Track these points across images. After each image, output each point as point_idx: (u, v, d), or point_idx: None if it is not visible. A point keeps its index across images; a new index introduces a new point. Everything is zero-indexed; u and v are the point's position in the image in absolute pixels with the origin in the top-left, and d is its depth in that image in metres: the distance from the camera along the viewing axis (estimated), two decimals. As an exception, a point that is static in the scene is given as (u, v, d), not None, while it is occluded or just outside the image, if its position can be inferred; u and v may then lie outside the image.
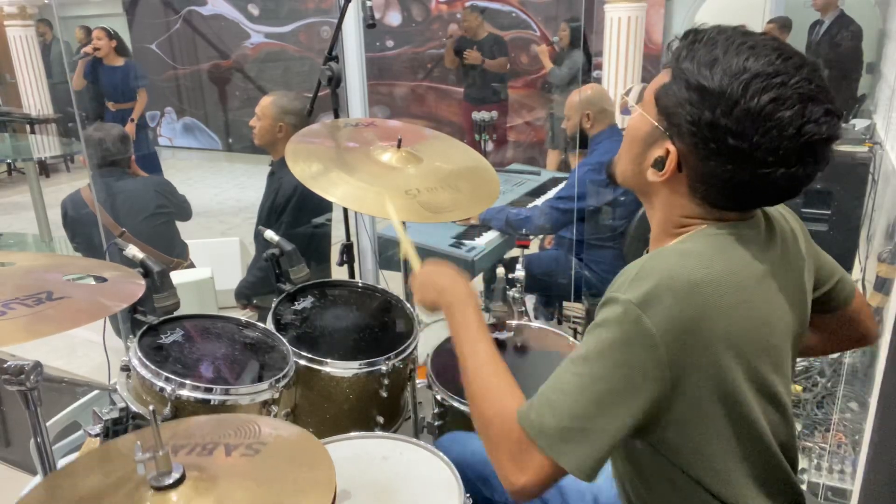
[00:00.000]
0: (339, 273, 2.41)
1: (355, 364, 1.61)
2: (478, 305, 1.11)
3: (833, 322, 1.17)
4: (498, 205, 2.87)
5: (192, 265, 3.20)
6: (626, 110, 1.03)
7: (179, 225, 3.26)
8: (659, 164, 0.92)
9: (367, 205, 1.66)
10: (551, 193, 3.33)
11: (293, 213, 2.59)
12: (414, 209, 1.60)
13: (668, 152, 0.91)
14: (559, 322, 3.03)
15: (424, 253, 2.62)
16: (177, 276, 1.62)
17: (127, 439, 1.09)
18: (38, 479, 1.44)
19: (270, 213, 2.64)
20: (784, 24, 4.89)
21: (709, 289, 0.86)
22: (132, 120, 4.85)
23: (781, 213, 1.06)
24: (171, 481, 0.93)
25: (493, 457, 0.93)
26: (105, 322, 1.76)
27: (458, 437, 1.49)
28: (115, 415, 1.32)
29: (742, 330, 0.89)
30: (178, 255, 3.16)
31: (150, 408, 0.95)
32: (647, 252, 0.99)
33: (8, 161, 6.92)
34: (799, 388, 2.35)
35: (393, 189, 1.64)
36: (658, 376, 0.85)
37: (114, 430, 1.31)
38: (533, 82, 6.20)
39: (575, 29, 5.23)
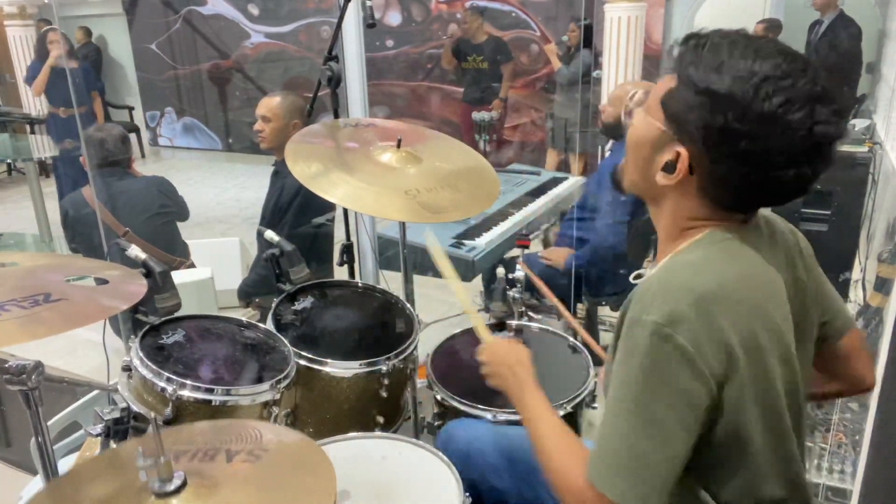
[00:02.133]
0: (339, 273, 2.42)
1: (355, 364, 1.61)
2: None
3: (826, 356, 1.13)
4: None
5: (192, 265, 3.20)
6: (629, 114, 1.03)
7: (179, 225, 3.26)
8: (669, 167, 0.92)
9: (367, 205, 1.66)
10: (552, 193, 3.33)
11: (297, 212, 2.59)
12: (414, 209, 1.60)
13: (678, 156, 0.91)
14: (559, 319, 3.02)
15: (424, 253, 2.63)
16: (177, 277, 1.62)
17: (128, 445, 1.09)
18: (38, 478, 1.45)
19: (274, 213, 2.64)
20: (773, 25, 4.89)
21: (727, 297, 0.87)
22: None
23: (790, 228, 1.07)
24: (172, 488, 0.93)
25: None
26: (105, 322, 1.77)
27: (465, 423, 1.50)
28: (116, 415, 1.32)
29: (762, 332, 0.90)
30: (180, 254, 3.16)
31: (152, 415, 0.95)
32: (652, 256, 1.00)
33: (8, 161, 6.92)
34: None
35: (393, 189, 1.64)
36: (703, 388, 0.86)
37: (115, 430, 1.31)
38: (533, 82, 6.20)
39: (585, 28, 5.23)
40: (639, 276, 1.05)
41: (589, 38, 5.22)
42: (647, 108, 0.96)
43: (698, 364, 0.84)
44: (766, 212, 1.05)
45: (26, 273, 1.21)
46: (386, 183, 1.67)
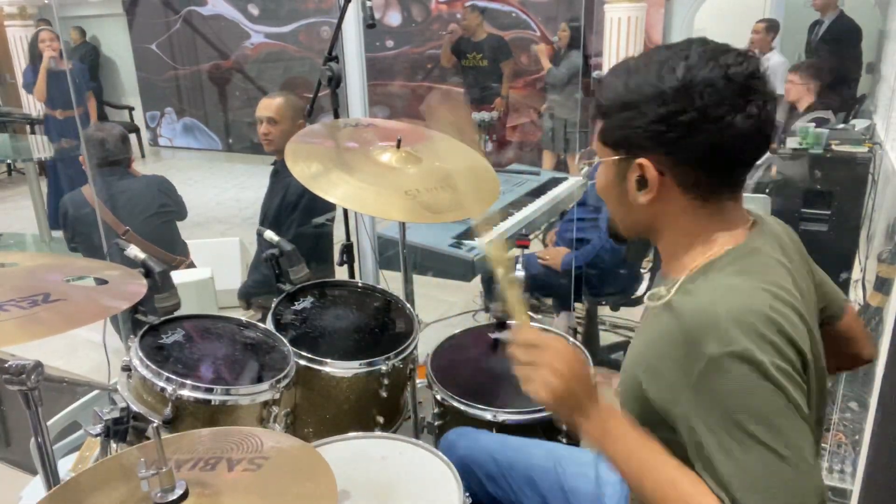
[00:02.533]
0: (339, 273, 2.42)
1: (355, 364, 1.61)
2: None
3: (827, 339, 1.12)
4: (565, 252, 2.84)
5: (192, 264, 3.20)
6: (592, 175, 1.05)
7: (178, 225, 3.26)
8: (641, 182, 0.95)
9: (367, 205, 1.66)
10: (551, 194, 3.33)
11: (304, 212, 2.57)
12: (414, 209, 1.60)
13: (641, 168, 0.94)
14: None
15: (424, 253, 2.63)
16: (177, 276, 1.62)
17: (130, 454, 1.09)
18: (38, 479, 1.45)
19: (279, 212, 2.62)
20: (772, 25, 4.90)
21: (777, 308, 0.87)
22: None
23: (782, 226, 1.08)
24: (174, 498, 0.93)
25: None
26: (105, 322, 1.76)
27: (465, 432, 1.49)
28: (116, 415, 1.32)
29: (806, 332, 0.90)
30: (180, 253, 3.16)
31: (153, 424, 0.95)
32: (651, 255, 1.00)
33: (8, 161, 6.92)
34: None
35: (393, 189, 1.64)
36: (803, 390, 0.86)
37: (114, 430, 1.31)
38: (533, 82, 6.20)
39: (575, 29, 5.24)
40: (653, 297, 0.99)
41: (579, 39, 5.24)
42: (597, 155, 1.02)
43: (795, 375, 0.85)
44: (762, 215, 1.06)
45: (26, 273, 1.21)
46: (386, 183, 1.66)
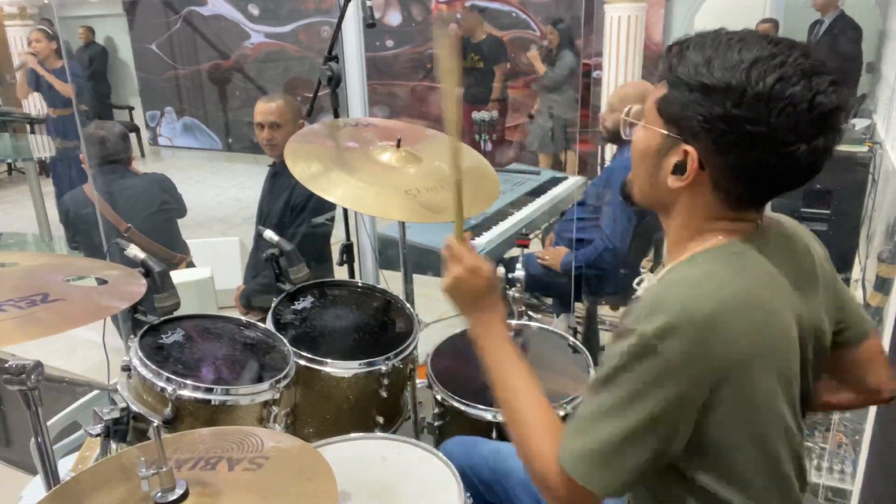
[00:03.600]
0: (339, 273, 2.42)
1: (355, 364, 1.61)
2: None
3: (842, 362, 1.11)
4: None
5: (192, 263, 3.20)
6: (629, 129, 1.03)
7: (178, 224, 3.26)
8: (679, 168, 0.92)
9: (367, 204, 1.66)
10: (551, 193, 3.33)
11: (312, 213, 2.56)
12: (414, 209, 1.59)
13: (686, 155, 0.90)
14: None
15: (424, 253, 2.63)
16: (177, 276, 1.62)
17: (130, 453, 1.09)
18: (38, 479, 1.45)
19: (283, 214, 2.59)
20: (771, 25, 4.89)
21: (729, 314, 0.86)
22: None
23: (807, 238, 1.05)
24: (174, 497, 0.93)
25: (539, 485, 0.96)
26: (105, 322, 1.76)
27: (465, 441, 1.48)
28: (116, 415, 1.32)
29: (769, 344, 0.89)
30: (180, 251, 3.16)
31: (154, 423, 0.95)
32: (651, 255, 1.00)
33: (8, 161, 6.92)
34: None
35: (393, 189, 1.64)
36: (682, 402, 0.86)
37: (114, 430, 1.31)
38: (532, 82, 6.20)
39: (563, 31, 5.26)
40: (641, 282, 1.04)
41: (568, 39, 5.26)
42: (645, 118, 0.96)
43: (682, 378, 0.84)
44: (784, 219, 1.04)
45: (26, 273, 1.21)
46: (386, 182, 1.66)
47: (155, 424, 0.96)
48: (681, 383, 0.85)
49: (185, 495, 0.94)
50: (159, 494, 0.93)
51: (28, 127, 6.05)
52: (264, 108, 2.52)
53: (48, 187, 5.26)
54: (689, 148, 0.89)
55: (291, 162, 1.65)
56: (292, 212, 2.59)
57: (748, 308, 0.88)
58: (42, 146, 5.30)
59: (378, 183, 1.65)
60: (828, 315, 1.02)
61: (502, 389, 1.04)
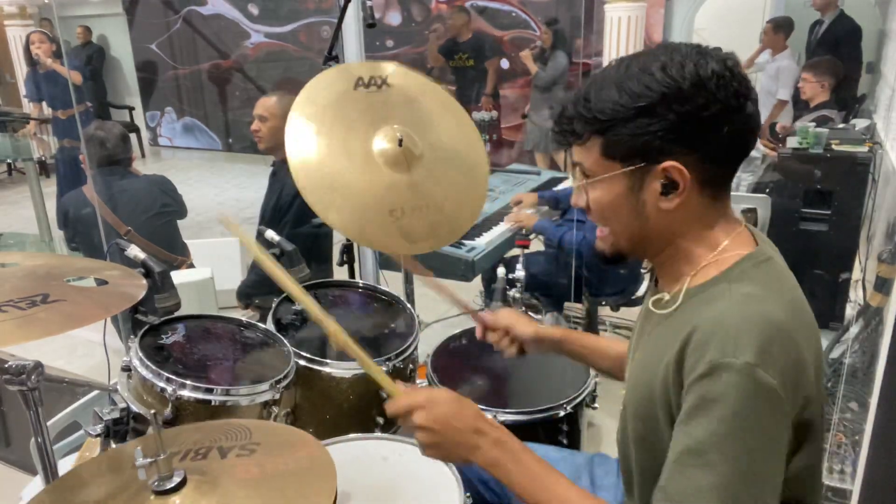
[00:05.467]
0: (339, 273, 2.42)
1: (355, 364, 1.61)
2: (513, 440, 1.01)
3: None
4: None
5: (192, 265, 3.20)
6: (580, 197, 1.01)
7: (179, 224, 3.26)
8: (667, 187, 0.92)
9: (344, 220, 1.43)
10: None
11: (297, 213, 2.59)
12: (390, 235, 1.44)
13: (666, 171, 0.90)
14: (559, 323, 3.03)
15: (425, 253, 2.62)
16: (177, 276, 1.62)
17: (125, 446, 1.09)
18: (38, 478, 1.45)
19: (274, 213, 2.64)
20: (780, 24, 4.87)
21: (793, 321, 0.87)
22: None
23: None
24: (172, 485, 0.92)
25: None
26: (105, 322, 1.76)
27: None
28: (116, 415, 1.32)
29: (816, 348, 0.91)
30: (180, 253, 3.16)
31: (151, 411, 0.94)
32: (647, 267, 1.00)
33: (8, 161, 6.92)
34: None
35: (377, 208, 1.45)
36: (786, 423, 0.85)
37: (114, 430, 1.31)
38: (532, 82, 6.20)
39: (556, 31, 5.27)
40: (659, 303, 0.98)
41: (562, 39, 5.27)
42: (593, 176, 0.96)
43: (786, 406, 0.83)
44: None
45: (26, 273, 1.21)
46: (373, 194, 1.47)
47: (153, 412, 0.95)
48: (786, 407, 0.83)
49: (183, 483, 0.93)
50: (157, 483, 0.92)
51: (30, 126, 6.06)
52: (260, 102, 2.70)
53: (48, 187, 5.27)
54: (669, 162, 0.90)
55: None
56: (279, 212, 2.61)
57: (800, 310, 0.90)
58: (47, 145, 5.29)
59: (363, 196, 1.46)
60: None
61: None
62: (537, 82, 5.43)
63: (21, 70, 6.67)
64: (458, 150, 1.73)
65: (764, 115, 4.78)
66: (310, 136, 1.49)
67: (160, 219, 3.05)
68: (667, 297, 0.97)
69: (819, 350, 0.93)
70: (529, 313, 2.09)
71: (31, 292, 1.08)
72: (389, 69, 1.66)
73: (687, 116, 0.88)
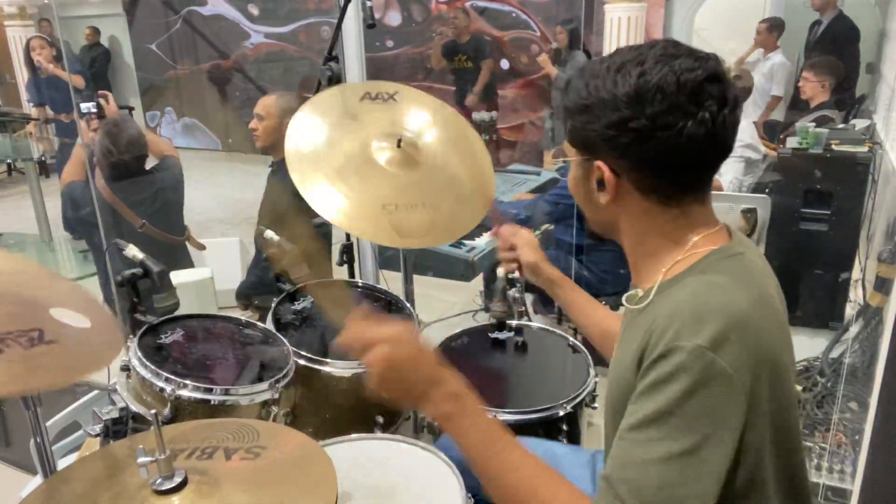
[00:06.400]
0: (339, 273, 2.42)
1: (355, 363, 1.61)
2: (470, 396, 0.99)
3: None
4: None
5: (202, 246, 3.20)
6: (564, 172, 1.07)
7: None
8: (600, 184, 0.97)
9: (338, 210, 1.52)
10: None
11: (296, 212, 2.58)
12: (382, 228, 1.48)
13: (599, 170, 0.96)
14: (559, 321, 3.02)
15: (424, 252, 2.62)
16: (176, 277, 1.62)
17: (126, 444, 1.08)
18: (38, 479, 1.44)
19: (274, 213, 2.63)
20: (774, 24, 4.87)
21: (757, 313, 0.87)
22: None
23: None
24: (173, 485, 0.92)
25: None
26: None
27: None
28: (115, 415, 1.32)
29: (783, 342, 0.91)
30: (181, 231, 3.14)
31: (152, 411, 0.94)
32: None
33: (8, 161, 6.92)
34: (799, 387, 2.35)
35: (370, 200, 1.51)
36: (738, 412, 0.84)
37: (114, 430, 1.31)
38: (532, 83, 6.20)
39: (572, 31, 5.26)
40: (631, 298, 1.01)
41: (578, 39, 5.26)
42: (568, 154, 1.03)
43: (737, 389, 0.83)
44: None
45: (16, 296, 1.05)
46: (367, 187, 1.51)
47: (153, 411, 0.95)
48: (737, 390, 0.83)
49: (183, 483, 0.93)
50: (158, 482, 0.91)
51: (29, 126, 6.06)
52: (260, 101, 2.73)
53: (48, 187, 5.26)
54: (598, 162, 0.95)
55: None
56: (277, 212, 2.62)
57: (767, 305, 0.90)
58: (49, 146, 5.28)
59: (357, 188, 1.51)
60: None
61: (502, 472, 0.93)
62: (558, 84, 5.44)
63: (21, 71, 6.67)
64: (462, 152, 1.75)
65: (759, 113, 4.79)
66: (313, 128, 1.61)
67: (169, 207, 3.01)
68: (640, 293, 0.99)
69: (788, 351, 0.93)
70: (530, 313, 2.09)
71: (25, 325, 0.97)
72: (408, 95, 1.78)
73: (615, 124, 0.90)
